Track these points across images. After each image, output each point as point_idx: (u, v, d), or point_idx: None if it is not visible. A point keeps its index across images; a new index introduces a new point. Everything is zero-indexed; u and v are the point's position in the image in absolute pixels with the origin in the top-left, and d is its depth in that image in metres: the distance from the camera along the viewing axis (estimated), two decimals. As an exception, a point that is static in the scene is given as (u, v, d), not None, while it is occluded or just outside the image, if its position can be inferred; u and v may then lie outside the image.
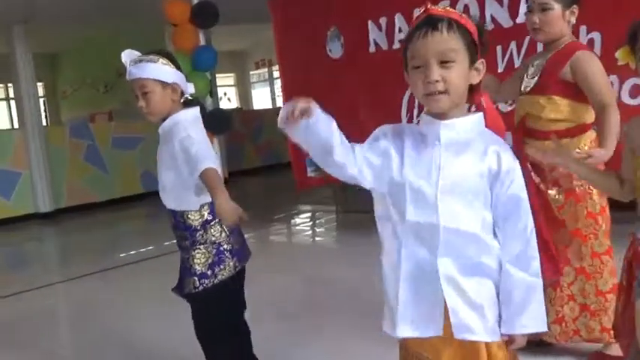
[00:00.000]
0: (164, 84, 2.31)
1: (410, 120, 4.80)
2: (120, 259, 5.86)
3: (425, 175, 1.59)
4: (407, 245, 1.59)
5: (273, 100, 16.95)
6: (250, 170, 11.79)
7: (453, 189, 1.58)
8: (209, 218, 2.33)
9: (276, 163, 12.09)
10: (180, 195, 2.30)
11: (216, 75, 12.31)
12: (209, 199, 2.26)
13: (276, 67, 15.04)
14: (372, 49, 5.06)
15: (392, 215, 1.61)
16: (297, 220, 7.20)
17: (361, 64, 5.14)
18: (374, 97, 5.12)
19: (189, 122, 2.30)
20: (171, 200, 2.36)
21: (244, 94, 17.60)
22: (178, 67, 2.36)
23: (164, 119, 2.34)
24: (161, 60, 2.32)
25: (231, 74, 17.45)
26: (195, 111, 2.36)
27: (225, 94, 16.95)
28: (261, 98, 17.47)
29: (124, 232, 7.60)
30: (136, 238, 6.98)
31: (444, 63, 1.54)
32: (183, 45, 6.23)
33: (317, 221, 6.99)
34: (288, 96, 5.73)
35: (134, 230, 7.70)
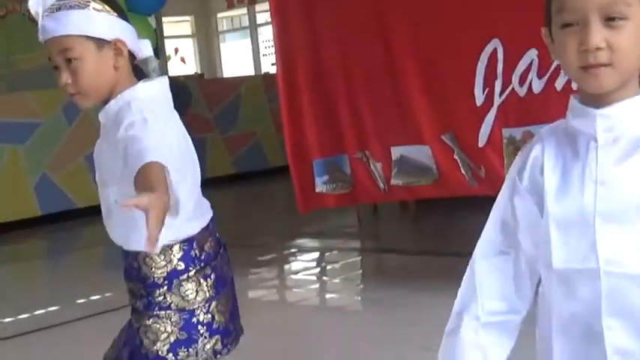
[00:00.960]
0: (100, 42, 2.20)
1: (489, 101, 4.50)
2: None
3: (575, 198, 1.54)
4: (556, 301, 1.57)
5: (256, 61, 15.01)
6: (217, 180, 9.84)
7: (618, 214, 1.52)
8: (179, 267, 2.25)
9: (261, 168, 10.97)
10: (133, 223, 2.09)
11: (162, 20, 11.13)
12: (184, 235, 2.23)
13: (262, 7, 13.85)
14: None
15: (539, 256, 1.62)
16: (297, 265, 6.32)
17: (408, 4, 4.82)
18: (427, 63, 4.76)
19: (150, 101, 2.18)
20: (118, 231, 2.28)
21: (208, 52, 15.83)
22: (122, 13, 2.26)
23: (106, 102, 2.24)
24: (93, 4, 2.20)
25: (187, 18, 15.55)
26: (160, 85, 2.27)
27: (176, 51, 15.07)
28: (236, 59, 15.58)
29: (11, 278, 6.97)
30: (32, 290, 6.32)
31: (609, 21, 1.46)
32: None
33: (329, 267, 6.14)
34: (285, 56, 5.32)
35: (28, 277, 7.04)
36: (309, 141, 5.18)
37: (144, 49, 2.33)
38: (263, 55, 15.16)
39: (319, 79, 5.15)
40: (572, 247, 1.54)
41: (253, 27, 15.28)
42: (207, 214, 2.36)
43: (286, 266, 6.32)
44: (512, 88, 4.42)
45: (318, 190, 5.28)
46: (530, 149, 1.61)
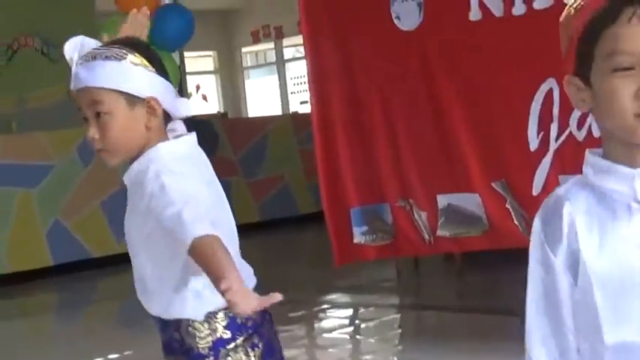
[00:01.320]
0: (132, 99, 2.22)
1: (544, 146, 4.55)
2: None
3: (621, 264, 1.50)
4: None
5: (284, 99, 15.15)
6: (241, 227, 10.00)
7: None
8: (225, 336, 2.26)
9: (289, 215, 11.04)
10: (172, 288, 2.21)
11: (184, 55, 11.42)
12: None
13: (290, 41, 14.16)
14: (475, 14, 4.83)
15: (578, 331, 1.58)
16: (329, 322, 6.44)
17: (454, 41, 4.89)
18: (475, 102, 4.81)
19: (172, 161, 2.20)
20: (155, 300, 2.28)
21: (232, 90, 16.01)
22: (161, 70, 2.29)
23: (133, 160, 2.26)
24: (130, 57, 2.23)
25: (210, 53, 15.77)
26: (186, 143, 2.30)
27: (197, 88, 15.26)
28: (262, 97, 15.75)
29: (22, 334, 7.03)
30: (44, 347, 6.35)
31: None
32: (134, 3, 5.25)
33: (364, 325, 6.20)
34: (320, 94, 5.37)
35: (40, 332, 7.12)
36: (347, 187, 5.18)
37: (182, 109, 2.34)
38: (291, 93, 15.32)
39: (357, 120, 5.16)
40: (625, 319, 1.50)
41: (280, 63, 15.47)
42: (251, 280, 2.33)
43: (318, 324, 6.39)
44: (570, 132, 4.40)
45: (356, 240, 5.28)
46: (558, 216, 1.55)
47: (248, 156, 10.99)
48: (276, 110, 15.23)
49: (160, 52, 5.58)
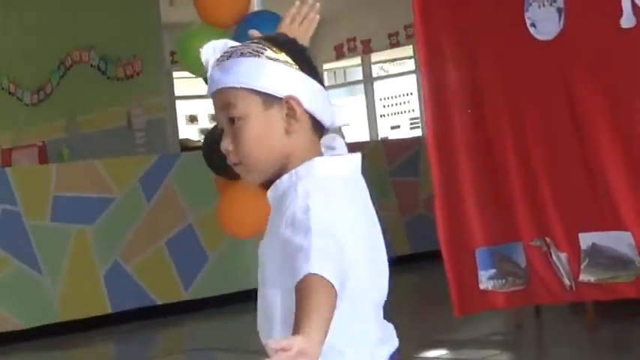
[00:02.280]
0: (268, 99, 2.22)
1: None
2: None
3: None
4: None
5: (372, 123, 15.18)
6: None
7: None
8: None
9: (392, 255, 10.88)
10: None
11: None
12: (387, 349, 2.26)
13: (378, 56, 14.19)
14: (628, 20, 4.90)
15: None
16: None
17: (601, 52, 4.90)
18: (628, 127, 4.88)
19: (328, 181, 2.19)
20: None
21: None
22: (309, 68, 2.27)
23: (277, 176, 2.24)
24: (269, 52, 2.24)
25: None
26: (349, 164, 2.29)
27: None
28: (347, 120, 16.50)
29: None
30: None
31: None
32: (219, 12, 5.95)
33: None
34: (438, 115, 5.45)
35: None
36: (471, 225, 5.17)
37: (337, 116, 2.33)
38: (380, 116, 15.27)
39: (483, 146, 5.15)
40: None
41: (368, 81, 15.44)
42: (390, 343, 2.32)
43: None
44: None
45: (482, 286, 5.28)
46: None
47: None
48: (363, 136, 15.22)
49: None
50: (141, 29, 10.68)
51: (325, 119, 2.27)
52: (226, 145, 2.23)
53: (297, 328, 1.90)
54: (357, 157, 2.30)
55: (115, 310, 8.99)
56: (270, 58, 2.22)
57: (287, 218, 2.10)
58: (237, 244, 9.58)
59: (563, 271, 4.93)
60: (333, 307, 1.95)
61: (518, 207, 5.06)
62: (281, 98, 2.21)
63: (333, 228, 2.06)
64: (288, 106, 2.21)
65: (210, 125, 16.91)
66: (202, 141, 5.50)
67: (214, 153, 5.38)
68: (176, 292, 9.23)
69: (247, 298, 11.15)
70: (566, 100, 4.98)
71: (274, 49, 2.24)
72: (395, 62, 15.66)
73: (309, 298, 1.94)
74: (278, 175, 2.23)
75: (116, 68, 11.20)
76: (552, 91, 5.03)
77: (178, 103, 13.39)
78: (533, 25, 5.12)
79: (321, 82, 2.30)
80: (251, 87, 2.20)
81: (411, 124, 14.92)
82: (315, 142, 2.27)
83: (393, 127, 14.79)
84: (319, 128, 2.27)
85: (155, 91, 11.08)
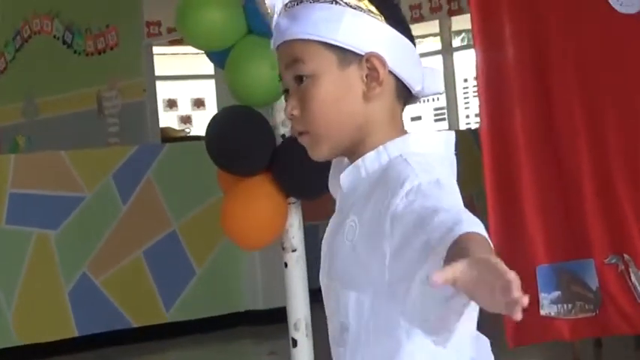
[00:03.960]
0: (345, 55, 2.22)
1: None
2: None
3: None
4: None
5: (452, 102, 14.91)
6: None
7: None
8: None
9: None
10: (393, 345, 2.20)
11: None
12: None
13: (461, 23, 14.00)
14: None
15: None
16: None
17: None
18: None
19: (433, 160, 2.21)
20: (365, 353, 2.28)
21: None
22: (399, 22, 2.29)
23: (349, 152, 2.29)
24: None
25: None
26: (448, 142, 2.28)
27: None
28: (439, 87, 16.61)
29: None
30: None
31: None
32: None
33: None
34: (494, 105, 5.48)
35: None
36: (532, 237, 5.13)
37: (429, 82, 2.32)
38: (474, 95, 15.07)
39: (550, 144, 5.11)
40: None
41: (448, 51, 15.28)
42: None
43: None
44: None
45: (543, 312, 5.27)
46: None
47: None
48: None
49: (261, 40, 5.66)
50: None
51: (414, 84, 2.27)
52: (292, 108, 2.24)
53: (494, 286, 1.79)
54: (452, 135, 2.29)
55: (82, 333, 9.00)
56: (350, 6, 2.23)
57: (407, 194, 2.09)
58: (231, 256, 9.63)
59: (644, 296, 4.91)
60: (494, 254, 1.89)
61: (591, 218, 5.02)
62: (361, 55, 2.22)
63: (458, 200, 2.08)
64: (369, 65, 2.22)
65: (192, 112, 16.98)
66: (208, 125, 5.49)
67: (222, 142, 5.40)
68: (156, 314, 9.28)
69: (240, 321, 11.35)
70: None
71: None
72: (417, 41, 15.74)
73: (473, 245, 1.88)
74: (350, 151, 2.25)
75: (85, 41, 11.19)
76: (636, 75, 5.05)
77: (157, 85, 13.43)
78: (615, -3, 5.16)
79: (411, 38, 2.29)
80: (325, 40, 2.22)
81: (436, 115, 14.91)
82: (397, 111, 2.27)
83: (413, 119, 14.85)
84: (404, 95, 2.27)
85: (132, 69, 11.06)
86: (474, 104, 15.26)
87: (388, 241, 2.08)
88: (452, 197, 2.09)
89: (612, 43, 5.13)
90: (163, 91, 15.81)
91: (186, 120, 16.65)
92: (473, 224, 1.94)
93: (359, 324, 2.26)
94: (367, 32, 2.24)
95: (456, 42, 15.70)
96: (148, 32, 11.88)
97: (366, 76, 2.21)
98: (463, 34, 16.18)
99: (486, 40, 5.48)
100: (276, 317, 9.53)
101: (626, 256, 4.95)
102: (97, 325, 8.97)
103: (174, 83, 16.12)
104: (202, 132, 13.31)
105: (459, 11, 13.61)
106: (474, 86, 15.21)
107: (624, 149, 4.97)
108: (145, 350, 8.90)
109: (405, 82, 2.25)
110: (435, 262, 1.92)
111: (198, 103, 16.96)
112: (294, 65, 2.23)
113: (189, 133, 13.67)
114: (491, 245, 1.91)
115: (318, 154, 2.26)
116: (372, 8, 2.25)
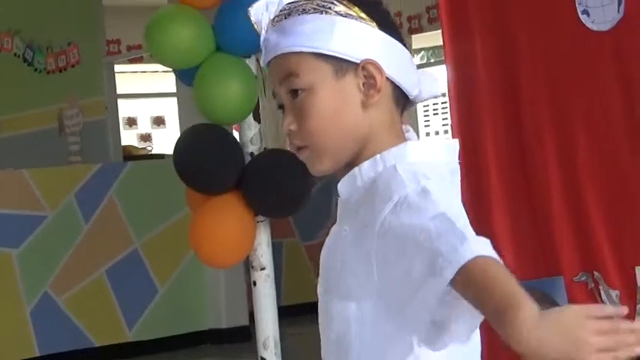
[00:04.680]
0: (340, 65, 2.23)
1: None
2: None
3: None
4: None
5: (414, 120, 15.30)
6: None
7: None
8: None
9: None
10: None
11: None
12: None
13: (423, 40, 14.46)
14: None
15: None
16: None
17: None
18: None
19: (427, 167, 2.22)
20: None
21: None
22: (386, 24, 2.28)
23: (351, 163, 2.28)
24: (339, 6, 2.24)
25: None
26: (449, 150, 2.30)
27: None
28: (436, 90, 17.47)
29: None
30: None
31: None
32: None
33: None
34: (465, 119, 5.46)
35: None
36: (502, 254, 5.00)
37: (426, 86, 2.30)
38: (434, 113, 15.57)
39: (519, 159, 5.08)
40: None
41: None
42: None
43: None
44: None
45: None
46: None
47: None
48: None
49: (230, 58, 5.62)
50: (77, 11, 10.64)
51: (410, 89, 2.25)
52: (288, 124, 2.22)
53: (499, 311, 1.87)
54: (455, 143, 2.28)
55: (44, 352, 8.96)
56: (341, 14, 2.22)
57: (395, 205, 2.08)
58: (194, 275, 9.61)
59: (614, 313, 4.87)
60: (508, 274, 1.96)
61: (560, 235, 4.98)
62: (357, 63, 2.21)
63: (458, 213, 2.05)
64: (366, 73, 2.21)
65: (152, 130, 16.94)
66: (176, 143, 5.48)
67: (190, 160, 5.37)
68: (118, 333, 9.25)
69: (204, 339, 11.34)
70: (624, 102, 4.96)
71: (345, 2, 2.23)
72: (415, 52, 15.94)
73: (492, 278, 1.93)
74: (353, 161, 2.22)
75: (46, 59, 11.12)
76: (607, 94, 5.00)
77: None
78: (585, 12, 5.07)
79: (403, 42, 2.27)
80: (318, 50, 2.21)
81: (445, 130, 15.17)
82: (396, 118, 2.25)
83: (427, 134, 15.14)
84: (402, 101, 2.25)
85: (94, 87, 11.01)
86: (435, 122, 15.47)
87: (374, 253, 2.07)
88: (439, 204, 2.05)
89: (583, 60, 5.08)
90: (123, 109, 15.90)
91: (146, 138, 16.55)
92: (470, 246, 1.95)
93: (351, 336, 2.24)
94: (360, 39, 2.22)
95: (416, 60, 15.88)
96: (107, 50, 11.86)
97: (363, 84, 2.20)
98: (422, 52, 16.39)
99: (457, 55, 5.41)
100: (240, 336, 9.58)
101: (596, 273, 4.92)
102: (59, 345, 8.94)
103: (133, 102, 16.08)
104: (163, 150, 13.28)
105: (419, 29, 13.86)
106: (434, 104, 15.60)
107: (595, 166, 4.96)
108: (108, 370, 8.79)
109: (401, 88, 2.24)
110: (437, 285, 1.93)
111: (158, 121, 16.87)
112: (288, 79, 2.22)
113: (151, 151, 13.61)
114: (492, 262, 1.96)
115: (318, 168, 2.24)
116: (363, 15, 2.23)
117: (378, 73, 2.20)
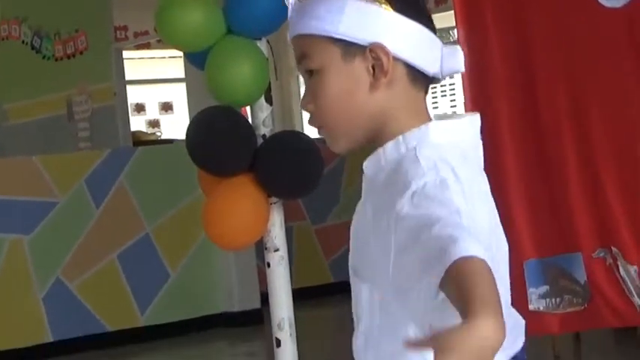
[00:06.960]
0: (349, 49, 2.23)
1: None
2: None
3: None
4: None
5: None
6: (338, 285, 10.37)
7: None
8: None
9: None
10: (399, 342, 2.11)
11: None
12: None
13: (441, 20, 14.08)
14: None
15: None
16: None
17: None
18: None
19: (450, 151, 2.21)
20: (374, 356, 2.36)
21: None
22: (406, 4, 2.25)
23: (372, 142, 2.33)
24: None
25: None
26: (468, 127, 2.31)
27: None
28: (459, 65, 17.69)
29: None
30: None
31: None
32: None
33: None
34: (480, 101, 5.39)
35: None
36: (519, 232, 5.05)
37: (447, 62, 2.28)
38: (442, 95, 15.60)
39: (535, 138, 5.06)
40: None
41: None
42: (518, 339, 2.30)
43: None
44: None
45: (532, 307, 5.20)
46: None
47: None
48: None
49: (241, 40, 5.58)
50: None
51: (427, 67, 2.25)
52: (305, 103, 2.29)
53: (464, 313, 1.85)
54: (476, 119, 2.31)
55: (57, 338, 8.98)
56: None
57: (412, 195, 2.09)
58: (205, 259, 9.60)
59: (632, 288, 4.85)
60: (490, 280, 1.89)
61: (578, 211, 4.98)
62: (365, 47, 2.22)
63: (468, 203, 2.07)
64: (374, 55, 2.22)
65: (160, 116, 16.96)
66: (188, 125, 5.48)
67: (203, 143, 5.32)
68: (130, 318, 9.25)
69: (216, 323, 11.38)
70: (639, 79, 4.94)
71: None
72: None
73: (471, 281, 1.88)
74: (372, 140, 2.26)
75: (54, 46, 11.14)
76: (622, 72, 4.98)
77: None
78: (600, -10, 5.14)
79: (424, 21, 2.26)
80: (327, 34, 2.23)
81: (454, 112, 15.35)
82: (417, 97, 2.26)
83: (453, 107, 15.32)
84: (422, 80, 2.25)
85: (102, 73, 11.01)
86: (443, 103, 15.56)
87: (393, 238, 2.09)
88: (455, 199, 2.07)
89: (598, 36, 5.09)
90: (131, 95, 15.97)
91: (154, 124, 16.63)
92: (463, 245, 1.91)
93: (370, 318, 2.29)
94: (370, 22, 2.24)
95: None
96: (115, 37, 11.88)
97: (372, 67, 2.22)
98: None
99: (470, 32, 5.39)
100: (252, 319, 9.57)
101: (614, 249, 4.91)
102: (72, 330, 8.95)
103: (141, 87, 16.14)
104: (171, 136, 13.27)
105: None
106: (442, 86, 15.68)
107: (611, 142, 4.93)
108: (120, 354, 8.90)
109: (417, 68, 2.23)
110: (430, 282, 1.93)
111: (166, 107, 16.94)
112: (303, 60, 2.27)
113: (159, 137, 13.65)
114: (480, 265, 1.89)
115: (336, 147, 2.30)
116: None
117: (385, 56, 2.21)
